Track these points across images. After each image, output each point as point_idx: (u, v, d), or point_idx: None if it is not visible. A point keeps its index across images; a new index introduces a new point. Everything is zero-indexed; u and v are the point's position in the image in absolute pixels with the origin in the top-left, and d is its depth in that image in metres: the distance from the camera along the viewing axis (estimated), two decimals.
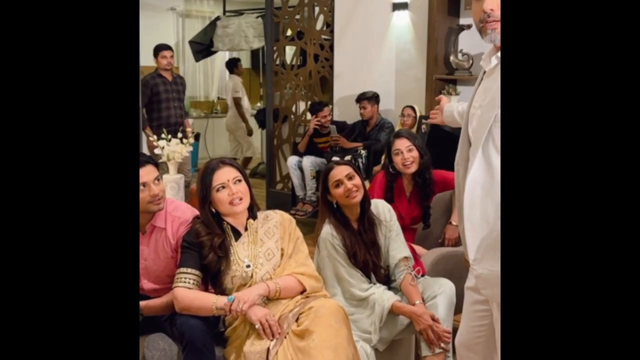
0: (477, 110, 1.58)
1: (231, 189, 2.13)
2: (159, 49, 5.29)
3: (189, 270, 2.11)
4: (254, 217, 2.24)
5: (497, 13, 1.49)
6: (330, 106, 5.30)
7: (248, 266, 2.14)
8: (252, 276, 2.13)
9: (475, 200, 1.54)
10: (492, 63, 1.58)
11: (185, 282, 2.09)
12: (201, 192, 2.18)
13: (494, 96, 1.48)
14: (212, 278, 2.17)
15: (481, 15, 1.52)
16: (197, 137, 5.61)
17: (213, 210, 2.19)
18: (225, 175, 2.15)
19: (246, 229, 2.22)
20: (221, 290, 2.15)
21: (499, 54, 1.54)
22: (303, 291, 2.17)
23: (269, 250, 2.19)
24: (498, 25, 1.50)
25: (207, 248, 2.12)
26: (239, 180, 2.17)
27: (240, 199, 2.15)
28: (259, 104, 8.99)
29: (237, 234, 2.21)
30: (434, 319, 2.29)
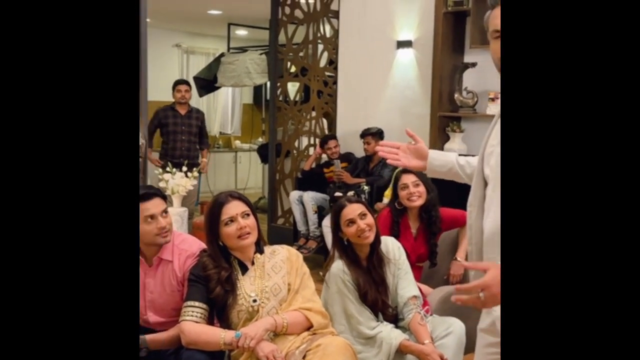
0: (496, 148, 1.57)
1: (239, 223, 2.12)
2: (176, 84, 5.51)
3: (196, 303, 2.08)
4: (261, 252, 2.23)
5: None
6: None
7: (255, 300, 2.11)
8: (258, 311, 2.11)
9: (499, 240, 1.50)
10: None
11: (192, 315, 2.06)
12: (209, 225, 2.17)
13: None
14: (219, 312, 2.14)
15: (499, 54, 1.53)
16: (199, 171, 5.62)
17: (221, 243, 2.18)
18: (234, 209, 2.14)
19: (253, 263, 2.20)
20: (227, 325, 2.12)
21: None
22: (309, 327, 2.14)
23: (275, 285, 2.16)
24: None
25: (214, 282, 2.10)
26: (247, 215, 2.16)
27: (248, 233, 2.14)
28: (260, 139, 9.03)
29: (244, 268, 2.19)
30: (442, 359, 2.25)
